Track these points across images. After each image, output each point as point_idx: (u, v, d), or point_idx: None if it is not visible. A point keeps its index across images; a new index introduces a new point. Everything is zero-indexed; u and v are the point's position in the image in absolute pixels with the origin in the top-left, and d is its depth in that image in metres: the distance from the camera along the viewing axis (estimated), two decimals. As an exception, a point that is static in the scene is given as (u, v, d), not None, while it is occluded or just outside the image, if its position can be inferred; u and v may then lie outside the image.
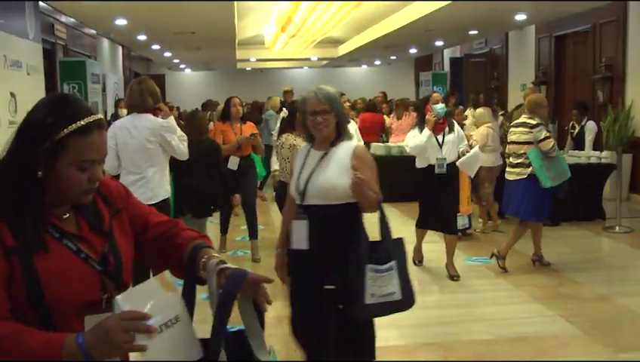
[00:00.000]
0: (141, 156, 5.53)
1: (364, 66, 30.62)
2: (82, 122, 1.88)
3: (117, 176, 5.65)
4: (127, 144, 5.54)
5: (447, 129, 7.09)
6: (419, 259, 7.77)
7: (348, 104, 10.51)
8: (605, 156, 10.20)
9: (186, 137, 5.86)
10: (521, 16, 14.13)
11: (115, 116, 15.61)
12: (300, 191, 4.00)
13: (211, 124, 10.53)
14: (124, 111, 11.43)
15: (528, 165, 7.17)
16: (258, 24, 18.37)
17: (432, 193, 7.16)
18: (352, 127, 7.69)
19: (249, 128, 8.29)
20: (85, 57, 14.60)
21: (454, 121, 7.37)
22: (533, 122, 7.21)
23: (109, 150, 5.59)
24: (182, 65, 27.95)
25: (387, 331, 5.74)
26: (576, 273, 7.31)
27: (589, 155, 10.38)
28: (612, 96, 12.56)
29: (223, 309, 1.91)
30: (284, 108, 6.56)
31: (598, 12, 12.91)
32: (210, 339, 1.91)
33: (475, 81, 18.87)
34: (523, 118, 7.39)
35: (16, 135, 1.94)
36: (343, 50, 22.87)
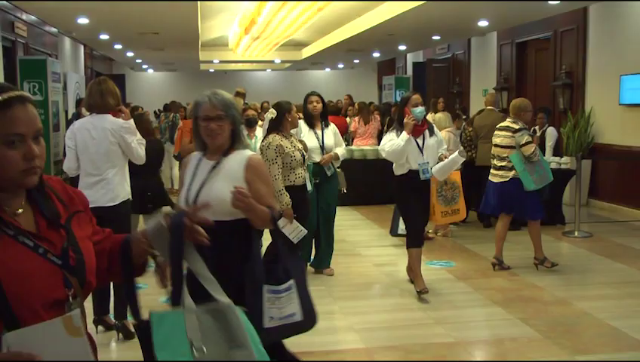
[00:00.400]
0: (101, 157, 5.45)
1: (328, 69, 30.68)
2: None
3: (76, 178, 5.60)
4: (87, 145, 5.46)
5: (427, 132, 6.66)
6: (421, 288, 6.71)
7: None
8: (565, 162, 10.35)
9: (144, 141, 5.80)
10: (483, 23, 14.26)
11: (77, 116, 15.48)
12: (190, 204, 3.66)
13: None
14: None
15: (511, 168, 7.34)
16: (222, 26, 18.31)
17: (417, 202, 6.65)
18: (331, 129, 7.70)
19: None
20: (46, 56, 14.43)
21: (434, 125, 7.04)
22: (516, 127, 7.35)
23: (69, 151, 5.57)
24: (144, 66, 27.75)
25: (346, 334, 5.77)
26: (535, 277, 7.40)
27: (548, 161, 10.50)
28: (572, 103, 12.76)
29: (175, 252, 2.09)
30: (271, 109, 6.51)
31: (559, 20, 13.11)
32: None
33: (438, 86, 19.01)
34: (507, 122, 7.53)
35: None
36: (306, 52, 22.89)
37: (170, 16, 12.47)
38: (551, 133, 10.97)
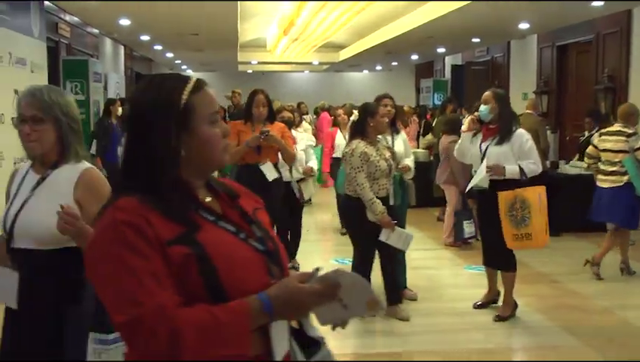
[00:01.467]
0: None
1: (365, 71, 30.62)
2: (191, 82, 1.87)
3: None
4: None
5: (497, 138, 5.92)
6: (511, 312, 6.18)
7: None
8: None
9: None
10: (524, 25, 14.14)
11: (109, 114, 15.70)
12: (7, 228, 2.98)
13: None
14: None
15: (624, 173, 7.28)
16: (260, 27, 18.37)
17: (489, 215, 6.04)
18: (401, 137, 6.93)
19: (275, 129, 6.69)
20: (88, 56, 14.60)
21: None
22: (629, 131, 7.32)
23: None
24: (183, 66, 27.94)
25: (386, 338, 5.74)
26: (578, 284, 7.30)
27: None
28: (614, 107, 12.57)
29: None
30: (354, 112, 6.26)
31: (601, 22, 12.93)
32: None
33: (476, 89, 18.79)
34: (617, 127, 7.49)
35: (131, 129, 1.86)
36: (344, 55, 22.88)
37: (210, 17, 12.54)
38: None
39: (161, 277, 1.65)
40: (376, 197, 5.74)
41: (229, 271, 1.72)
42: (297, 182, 7.71)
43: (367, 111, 5.92)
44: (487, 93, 6.11)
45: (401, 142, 6.83)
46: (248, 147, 6.48)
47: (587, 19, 12.96)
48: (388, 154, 5.95)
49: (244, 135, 6.57)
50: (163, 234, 1.70)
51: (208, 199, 1.88)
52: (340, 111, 10.46)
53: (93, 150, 10.62)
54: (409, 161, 6.77)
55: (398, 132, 6.91)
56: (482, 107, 6.03)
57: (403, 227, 6.30)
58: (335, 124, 10.24)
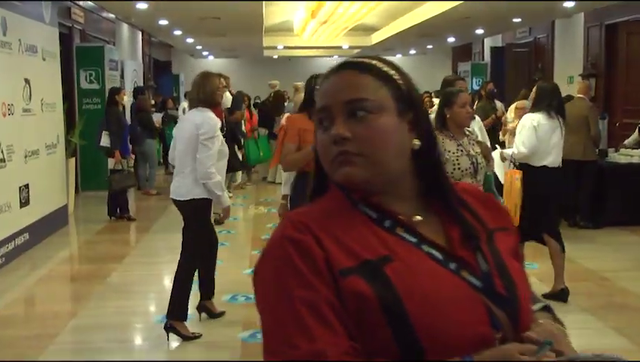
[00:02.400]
0: (183, 151, 5.72)
1: (399, 55, 30.49)
2: None
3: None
4: (176, 137, 5.90)
5: None
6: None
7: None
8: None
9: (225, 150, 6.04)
10: (569, 3, 13.94)
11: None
12: None
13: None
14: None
15: None
16: (287, 10, 18.32)
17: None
18: (476, 124, 6.54)
19: None
20: (103, 43, 14.66)
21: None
22: None
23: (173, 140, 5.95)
24: (205, 52, 28.00)
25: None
26: (628, 282, 7.17)
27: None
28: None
29: None
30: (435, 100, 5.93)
31: (653, -1, 12.72)
32: None
33: (518, 73, 18.69)
34: None
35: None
36: (376, 38, 22.78)
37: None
38: None
39: (326, 317, 1.35)
40: None
41: (424, 316, 1.35)
42: None
43: (443, 100, 5.36)
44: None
45: (477, 130, 6.22)
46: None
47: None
48: (476, 150, 5.23)
49: (307, 134, 5.18)
50: (337, 260, 1.39)
51: (417, 218, 1.50)
52: None
53: (105, 142, 10.56)
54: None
55: (472, 118, 6.06)
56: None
57: None
58: None
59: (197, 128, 5.50)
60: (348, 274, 1.37)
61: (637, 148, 10.40)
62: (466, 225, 1.51)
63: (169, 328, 5.56)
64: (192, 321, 5.87)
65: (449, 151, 4.97)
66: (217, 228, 10.42)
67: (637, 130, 10.68)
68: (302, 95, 12.82)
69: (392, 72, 1.52)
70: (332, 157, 1.46)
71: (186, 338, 5.58)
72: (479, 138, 5.67)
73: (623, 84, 14.42)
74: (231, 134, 10.61)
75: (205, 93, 5.67)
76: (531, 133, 6.46)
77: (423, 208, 1.52)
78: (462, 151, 5.08)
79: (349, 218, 1.46)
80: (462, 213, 1.53)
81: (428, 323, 1.34)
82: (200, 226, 5.80)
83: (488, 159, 5.36)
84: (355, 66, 1.52)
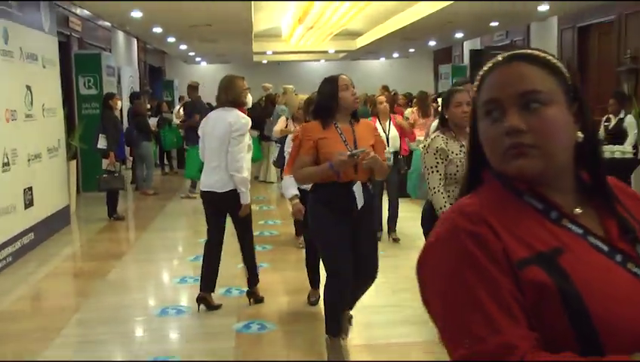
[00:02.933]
0: (218, 146, 6.03)
1: (382, 59, 30.55)
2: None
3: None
4: (208, 135, 6.14)
5: None
6: None
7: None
8: (628, 150, 10.04)
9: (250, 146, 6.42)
10: (543, 7, 14.04)
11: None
12: None
13: (286, 121, 9.77)
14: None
15: None
16: (275, 16, 18.37)
17: None
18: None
19: (366, 131, 4.98)
20: (100, 50, 14.69)
21: None
22: None
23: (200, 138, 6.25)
24: (197, 58, 28.00)
25: (403, 327, 5.74)
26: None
27: (612, 150, 10.17)
28: (637, 89, 12.48)
29: None
30: (438, 100, 5.77)
31: (623, 2, 12.82)
32: None
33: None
34: None
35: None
36: (360, 42, 22.83)
37: (223, 7, 12.54)
38: (631, 122, 10.44)
39: (510, 308, 1.29)
40: None
41: (602, 311, 1.29)
42: None
43: (442, 101, 5.06)
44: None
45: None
46: (333, 171, 4.69)
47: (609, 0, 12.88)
48: None
49: (324, 144, 4.78)
50: (513, 250, 1.34)
51: (577, 210, 1.44)
52: (382, 98, 9.02)
53: (102, 144, 10.63)
54: None
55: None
56: None
57: None
58: (373, 113, 8.97)
59: (230, 126, 5.89)
60: (526, 265, 1.32)
61: (605, 144, 10.51)
62: (622, 219, 1.45)
63: (200, 299, 6.11)
64: (188, 314, 5.94)
65: (452, 152, 4.72)
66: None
67: (602, 126, 10.78)
68: (292, 97, 12.97)
69: (559, 64, 1.48)
70: (504, 149, 1.40)
71: (213, 307, 6.17)
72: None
73: (595, 83, 14.52)
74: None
75: (234, 95, 6.05)
76: None
77: (580, 201, 1.46)
78: (464, 152, 4.40)
79: (517, 209, 1.41)
80: (617, 207, 1.47)
81: (606, 316, 1.28)
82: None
83: None
84: (523, 58, 1.47)
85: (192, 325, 5.97)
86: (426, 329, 5.26)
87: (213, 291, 6.24)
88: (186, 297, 6.73)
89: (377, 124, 8.18)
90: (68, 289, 7.60)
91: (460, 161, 4.68)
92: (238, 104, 6.12)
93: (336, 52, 26.03)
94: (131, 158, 14.62)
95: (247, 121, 6.06)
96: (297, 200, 6.08)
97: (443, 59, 24.42)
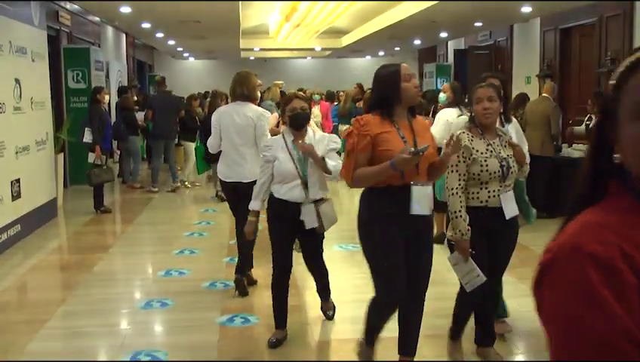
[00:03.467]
0: (240, 139, 6.26)
1: (368, 57, 30.54)
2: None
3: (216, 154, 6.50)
4: (229, 127, 6.27)
5: None
6: None
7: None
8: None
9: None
10: (526, 9, 14.07)
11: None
12: None
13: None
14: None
15: None
16: (262, 13, 18.32)
17: None
18: (513, 126, 5.15)
19: (422, 128, 4.37)
20: (89, 44, 14.60)
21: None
22: None
23: (214, 130, 6.34)
24: (186, 54, 27.89)
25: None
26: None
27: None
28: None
29: None
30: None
31: (604, 5, 12.86)
32: None
33: (479, 73, 18.70)
34: None
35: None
36: (346, 40, 22.82)
37: (212, 4, 12.49)
38: None
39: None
40: (487, 206, 4.38)
41: None
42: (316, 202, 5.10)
43: (469, 96, 4.65)
44: (445, 85, 7.09)
45: (513, 132, 5.02)
46: (395, 171, 3.99)
47: (590, 1, 12.88)
48: (508, 152, 4.45)
49: (383, 139, 4.09)
50: None
51: None
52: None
53: (88, 138, 10.58)
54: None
55: (509, 120, 5.17)
56: (441, 95, 7.09)
57: (503, 263, 4.70)
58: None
59: (252, 120, 6.13)
60: None
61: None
62: None
63: (240, 280, 6.37)
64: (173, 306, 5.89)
65: (477, 151, 4.34)
66: (196, 220, 10.47)
67: (584, 126, 10.83)
68: (276, 91, 12.77)
69: None
70: None
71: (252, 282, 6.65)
72: (514, 140, 4.68)
73: (576, 83, 14.58)
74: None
75: (249, 90, 6.25)
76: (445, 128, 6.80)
77: None
78: (491, 152, 4.39)
79: None
80: None
81: None
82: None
83: (522, 164, 4.56)
84: None
85: (176, 318, 5.93)
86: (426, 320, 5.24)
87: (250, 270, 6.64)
88: (171, 290, 6.69)
89: None
90: (54, 282, 7.53)
91: (485, 161, 4.33)
92: (252, 98, 6.32)
93: (323, 50, 26.00)
94: (119, 152, 14.52)
95: (264, 110, 6.35)
96: (256, 219, 5.33)
97: (427, 58, 24.44)
